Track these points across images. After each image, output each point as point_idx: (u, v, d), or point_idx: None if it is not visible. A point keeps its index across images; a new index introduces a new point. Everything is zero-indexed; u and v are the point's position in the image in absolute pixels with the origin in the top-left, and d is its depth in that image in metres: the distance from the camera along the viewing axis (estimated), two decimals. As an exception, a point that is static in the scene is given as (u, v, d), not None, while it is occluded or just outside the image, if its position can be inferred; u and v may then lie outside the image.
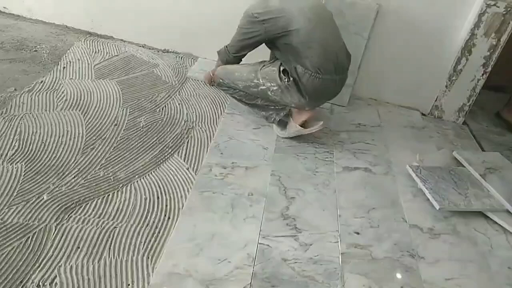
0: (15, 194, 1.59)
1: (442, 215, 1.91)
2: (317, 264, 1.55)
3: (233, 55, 2.14)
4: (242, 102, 2.22)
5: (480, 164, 2.21)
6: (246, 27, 2.01)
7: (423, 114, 2.82)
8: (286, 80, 2.01)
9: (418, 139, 2.51)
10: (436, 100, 2.74)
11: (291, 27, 1.92)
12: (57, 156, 1.81)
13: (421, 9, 2.48)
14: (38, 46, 2.64)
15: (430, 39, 2.57)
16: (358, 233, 1.73)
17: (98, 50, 2.74)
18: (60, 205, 1.58)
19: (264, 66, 2.10)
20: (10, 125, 1.93)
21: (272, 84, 2.04)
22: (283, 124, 2.21)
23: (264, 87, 2.06)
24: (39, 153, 1.80)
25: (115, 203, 1.64)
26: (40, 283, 1.30)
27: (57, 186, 1.66)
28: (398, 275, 1.58)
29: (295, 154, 2.12)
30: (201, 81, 2.59)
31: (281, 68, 2.03)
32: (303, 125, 2.15)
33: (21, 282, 1.30)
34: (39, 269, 1.35)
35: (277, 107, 2.15)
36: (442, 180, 2.05)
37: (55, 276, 1.33)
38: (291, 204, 1.80)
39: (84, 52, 2.68)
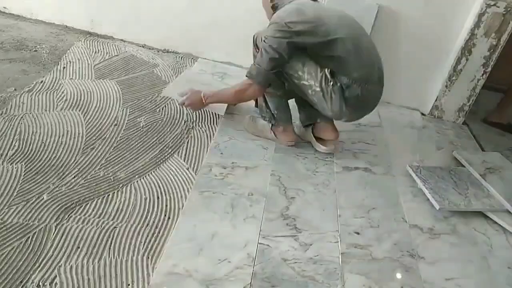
0: (15, 194, 1.59)
1: (442, 215, 1.91)
2: (317, 264, 1.55)
3: (273, 72, 1.88)
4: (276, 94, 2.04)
5: (480, 164, 2.21)
6: (278, 39, 1.80)
7: (423, 114, 2.82)
8: (332, 83, 1.83)
9: (418, 139, 2.51)
10: (436, 100, 2.74)
11: (334, 35, 1.79)
12: (57, 156, 1.81)
13: (421, 9, 2.49)
14: (38, 46, 2.64)
15: (430, 39, 2.58)
16: (358, 233, 1.73)
17: (98, 50, 2.74)
18: (60, 205, 1.58)
19: (309, 59, 1.88)
20: (10, 125, 1.93)
21: (315, 84, 1.85)
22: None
23: (306, 83, 1.88)
24: (39, 153, 1.80)
25: (115, 203, 1.64)
26: (40, 283, 1.30)
27: (57, 186, 1.66)
28: (398, 275, 1.58)
29: (295, 154, 2.12)
30: (179, 104, 2.18)
31: (327, 70, 1.84)
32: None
33: (21, 282, 1.30)
34: (39, 269, 1.35)
35: (274, 115, 2.08)
36: (442, 180, 2.05)
37: (55, 276, 1.33)
38: (291, 204, 1.80)
39: (84, 52, 2.68)
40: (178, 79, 2.50)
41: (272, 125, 2.12)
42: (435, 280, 1.59)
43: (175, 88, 2.27)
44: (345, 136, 2.35)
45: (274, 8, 1.97)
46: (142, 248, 1.49)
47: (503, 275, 1.67)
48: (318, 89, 1.85)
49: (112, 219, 1.57)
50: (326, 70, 1.83)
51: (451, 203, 1.92)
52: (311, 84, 1.86)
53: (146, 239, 1.52)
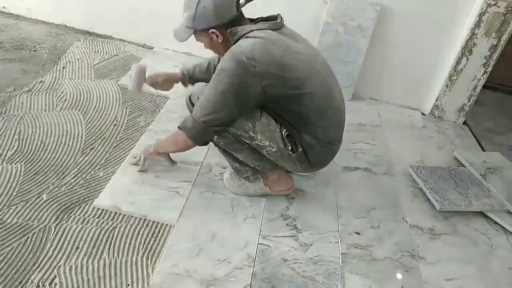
0: (14, 194, 1.58)
1: (443, 215, 1.91)
2: (317, 265, 1.54)
3: (212, 129, 1.47)
4: (220, 146, 1.66)
5: (481, 164, 2.21)
6: (233, 78, 1.39)
7: (423, 114, 2.82)
8: (290, 149, 1.54)
9: (419, 139, 2.51)
10: (436, 100, 2.74)
11: (304, 88, 1.45)
12: (57, 156, 1.80)
13: (421, 8, 2.48)
14: (38, 46, 2.64)
15: (430, 39, 2.57)
16: (358, 234, 1.73)
17: (98, 50, 2.74)
18: (60, 205, 1.57)
19: (262, 113, 1.52)
20: (10, 125, 1.92)
21: (272, 144, 1.53)
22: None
23: (260, 144, 1.54)
24: (38, 153, 1.80)
25: (115, 203, 1.63)
26: (40, 284, 1.30)
27: (56, 186, 1.65)
28: (399, 275, 1.57)
29: (295, 154, 2.11)
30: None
31: (284, 131, 1.53)
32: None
33: (20, 282, 1.29)
34: (38, 269, 1.34)
35: (257, 168, 1.67)
36: (442, 180, 2.05)
37: (55, 277, 1.33)
38: (291, 204, 1.80)
39: (84, 52, 2.67)
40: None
41: (263, 180, 1.76)
42: (436, 280, 1.59)
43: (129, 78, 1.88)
44: (345, 136, 2.34)
45: (230, 37, 1.47)
46: (142, 248, 1.48)
47: (503, 276, 1.67)
48: (275, 149, 1.55)
49: (112, 219, 1.56)
50: (283, 131, 1.52)
51: (452, 203, 1.91)
52: (265, 144, 1.54)
53: (145, 239, 1.52)
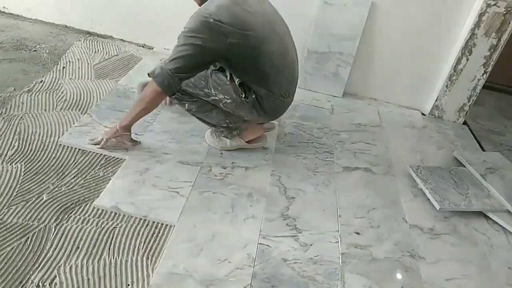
0: (14, 194, 1.58)
1: (443, 215, 1.91)
2: (317, 264, 1.55)
3: (178, 76, 1.61)
4: (193, 113, 1.91)
5: (481, 164, 2.21)
6: (201, 36, 1.56)
7: (423, 114, 2.82)
8: (243, 96, 1.76)
9: (419, 139, 2.51)
10: (436, 100, 2.74)
11: (263, 47, 1.65)
12: (57, 156, 1.80)
13: (420, 7, 2.49)
14: (38, 46, 2.64)
15: (430, 39, 2.58)
16: (358, 233, 1.73)
17: (98, 50, 2.74)
18: (60, 205, 1.57)
19: (212, 71, 1.80)
20: (10, 125, 1.92)
21: (225, 96, 1.77)
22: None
23: (216, 98, 1.79)
24: (38, 153, 1.80)
25: (115, 203, 1.63)
26: (40, 283, 1.30)
27: (56, 186, 1.65)
28: (399, 275, 1.57)
29: (295, 154, 2.11)
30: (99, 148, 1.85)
31: (237, 80, 1.76)
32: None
33: (20, 282, 1.29)
34: (38, 269, 1.34)
35: (230, 126, 1.90)
36: (442, 180, 2.05)
37: (55, 276, 1.33)
38: (291, 204, 1.80)
39: (84, 52, 2.67)
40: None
41: (238, 135, 1.97)
42: (436, 280, 1.59)
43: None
44: (346, 136, 2.35)
45: None
46: (142, 248, 1.48)
47: (503, 275, 1.67)
48: (229, 100, 1.78)
49: (112, 219, 1.56)
50: (236, 80, 1.75)
51: (452, 203, 1.92)
52: (220, 98, 1.78)
53: (146, 239, 1.52)
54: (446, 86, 2.66)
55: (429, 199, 1.96)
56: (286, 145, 2.17)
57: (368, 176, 2.08)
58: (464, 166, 2.22)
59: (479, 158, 2.28)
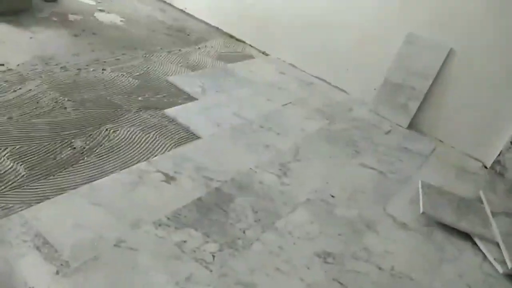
0: (125, 91, 2.48)
1: (426, 221, 2.05)
2: (282, 195, 1.96)
3: None
4: None
5: (500, 205, 2.21)
6: None
7: (484, 167, 2.81)
8: None
9: (458, 177, 2.56)
10: (499, 155, 2.73)
11: None
12: (160, 85, 2.67)
13: (496, 57, 2.63)
14: (191, 33, 3.71)
15: (501, 89, 2.66)
16: (333, 196, 2.05)
17: (229, 46, 3.67)
18: (145, 105, 2.40)
19: None
20: (146, 62, 2.91)
21: None
22: None
23: None
24: (151, 80, 2.70)
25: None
26: (109, 129, 2.10)
27: (150, 96, 2.50)
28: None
29: (326, 142, 2.53)
30: None
31: None
32: None
33: (100, 124, 2.12)
34: (112, 123, 2.15)
35: None
36: (445, 200, 2.16)
37: (118, 129, 2.11)
38: (294, 162, 2.23)
39: (219, 44, 3.63)
40: None
41: None
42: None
43: None
44: (383, 149, 2.63)
45: None
46: (175, 140, 2.17)
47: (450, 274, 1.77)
48: None
49: (169, 122, 2.31)
50: None
51: (438, 214, 2.04)
52: None
53: (181, 138, 2.20)
54: (511, 142, 2.66)
55: (419, 207, 2.10)
56: (323, 134, 2.59)
57: (377, 176, 2.34)
58: (482, 203, 2.25)
59: (503, 202, 2.27)
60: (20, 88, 2.22)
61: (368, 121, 2.95)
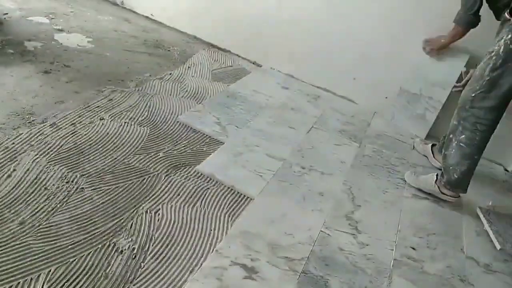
0: (139, 147, 2.03)
1: (503, 257, 1.96)
2: (369, 261, 1.73)
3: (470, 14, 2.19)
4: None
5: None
6: None
7: (506, 170, 2.82)
8: None
9: (496, 190, 2.54)
10: (521, 159, 2.74)
11: None
12: (174, 129, 2.24)
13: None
14: (171, 48, 3.22)
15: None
16: (414, 249, 1.87)
17: (217, 59, 3.24)
18: (171, 163, 1.98)
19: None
20: (143, 99, 2.43)
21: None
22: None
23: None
24: (161, 124, 2.26)
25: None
26: (148, 210, 1.68)
27: (170, 149, 2.07)
28: (445, 291, 1.69)
29: (369, 173, 2.32)
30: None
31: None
32: None
33: (135, 206, 1.69)
34: (148, 201, 1.73)
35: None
36: (510, 227, 2.09)
37: (159, 209, 1.70)
38: (357, 210, 2.01)
39: (206, 59, 3.19)
40: None
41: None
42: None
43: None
44: (422, 170, 2.49)
45: None
46: (226, 208, 1.81)
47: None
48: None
49: (207, 182, 1.93)
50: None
51: (515, 248, 1.96)
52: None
53: (230, 202, 1.85)
54: (534, 146, 2.66)
55: (491, 241, 2.02)
56: (363, 164, 2.39)
57: (435, 207, 2.20)
58: (538, 221, 2.23)
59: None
60: (14, 170, 1.69)
61: (391, 136, 2.79)
